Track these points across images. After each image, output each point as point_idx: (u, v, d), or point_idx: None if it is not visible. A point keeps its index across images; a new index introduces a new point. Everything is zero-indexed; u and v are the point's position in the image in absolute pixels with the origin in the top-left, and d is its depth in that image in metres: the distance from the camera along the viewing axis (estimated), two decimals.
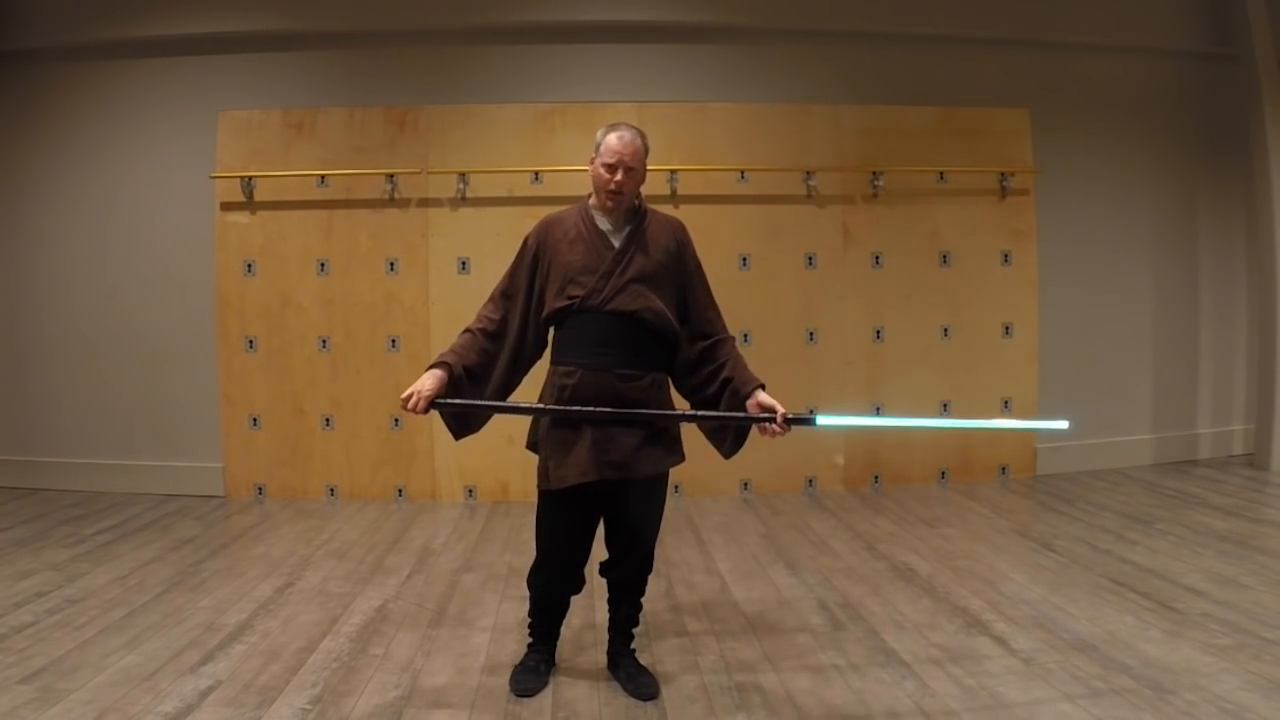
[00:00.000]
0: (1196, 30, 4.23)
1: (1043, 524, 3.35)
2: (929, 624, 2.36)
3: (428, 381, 1.86)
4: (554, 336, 1.99)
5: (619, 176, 1.89)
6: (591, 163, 1.96)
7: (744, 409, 1.90)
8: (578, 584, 2.07)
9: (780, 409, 1.86)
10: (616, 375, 1.89)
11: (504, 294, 2.02)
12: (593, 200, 1.98)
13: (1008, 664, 2.10)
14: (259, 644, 2.25)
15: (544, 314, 1.96)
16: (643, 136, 1.95)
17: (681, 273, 1.98)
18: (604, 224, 1.96)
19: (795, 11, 3.90)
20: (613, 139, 1.91)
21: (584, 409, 1.87)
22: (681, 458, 2.00)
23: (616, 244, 1.94)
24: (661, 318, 1.93)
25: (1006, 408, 4.11)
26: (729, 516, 3.58)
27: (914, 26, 3.97)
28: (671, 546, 3.14)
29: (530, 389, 2.05)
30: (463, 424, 2.01)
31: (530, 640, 2.13)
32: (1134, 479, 4.03)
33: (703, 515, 3.60)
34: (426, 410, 1.86)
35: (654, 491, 2.00)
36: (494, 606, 2.54)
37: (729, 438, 1.98)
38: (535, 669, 2.06)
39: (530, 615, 2.12)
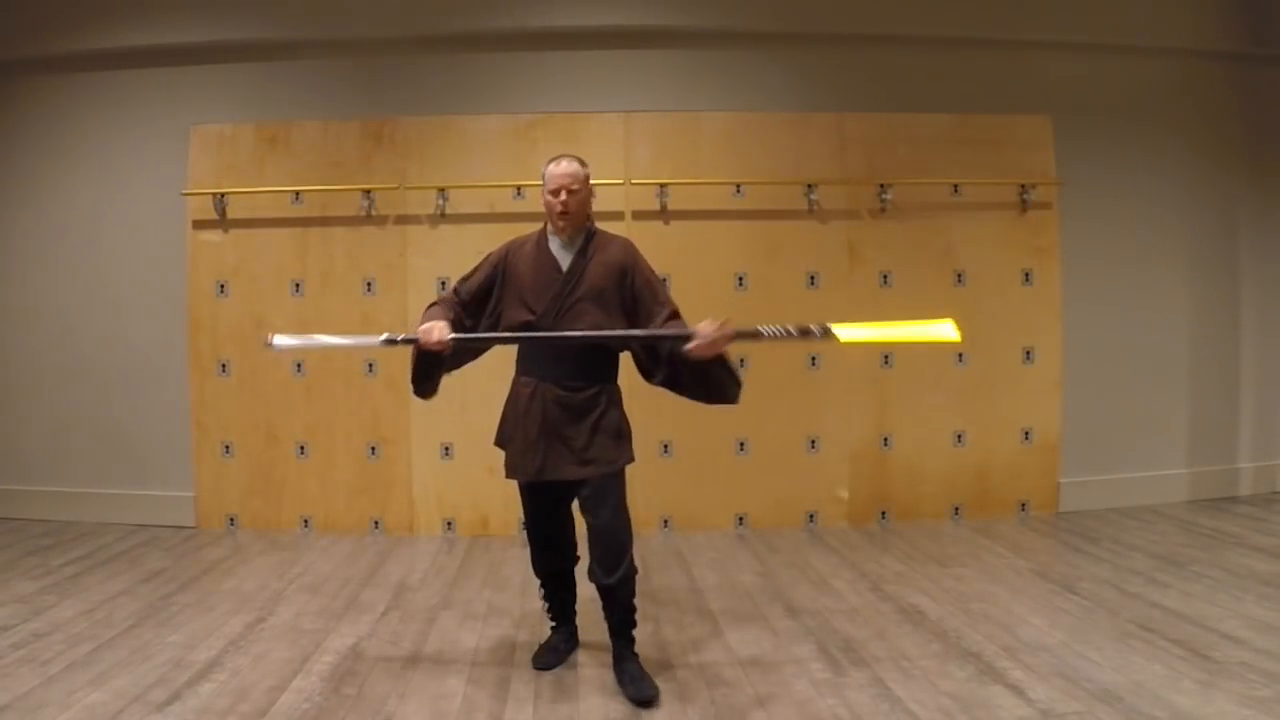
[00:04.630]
0: (1234, 30, 4.35)
1: (1065, 564, 3.47)
2: (938, 671, 2.48)
3: (439, 322, 2.33)
4: (517, 350, 2.50)
5: (563, 198, 2.38)
6: (542, 194, 2.45)
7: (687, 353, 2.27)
8: (568, 559, 2.61)
9: (715, 332, 2.20)
10: (564, 387, 2.38)
11: (461, 281, 2.53)
12: (549, 226, 2.47)
13: (1024, 715, 2.19)
14: (228, 682, 2.46)
15: (500, 326, 2.46)
16: (581, 162, 2.45)
17: (630, 288, 2.41)
18: (556, 247, 2.45)
19: (795, 13, 4.10)
20: (553, 168, 2.43)
21: (560, 334, 2.35)
22: (628, 459, 2.42)
23: (565, 265, 2.40)
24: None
25: (1027, 439, 4.28)
26: (722, 553, 3.76)
27: (925, 28, 4.14)
28: (660, 585, 3.32)
29: (498, 393, 2.55)
30: (433, 376, 2.46)
31: (551, 622, 2.69)
32: (1167, 517, 4.15)
33: (694, 552, 3.80)
34: (445, 345, 2.29)
35: (607, 491, 2.39)
36: (472, 646, 2.73)
37: (697, 381, 2.36)
38: (556, 648, 2.63)
39: (542, 598, 2.70)
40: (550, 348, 2.37)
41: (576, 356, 2.38)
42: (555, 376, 2.39)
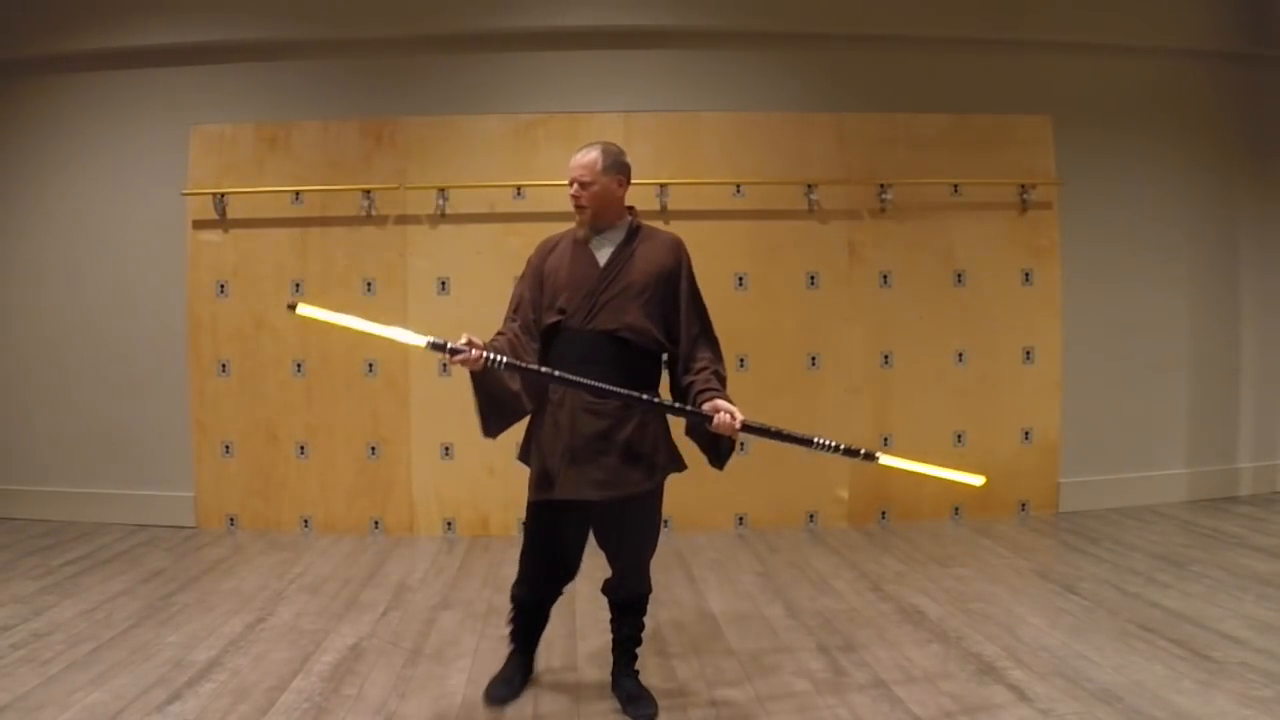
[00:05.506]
0: (1236, 30, 4.38)
1: (1065, 564, 3.50)
2: (939, 671, 2.51)
3: (475, 339, 2.05)
4: (547, 354, 2.28)
5: (574, 190, 2.24)
6: None
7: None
8: (555, 593, 2.42)
9: (723, 412, 2.08)
10: (595, 394, 2.15)
11: (515, 310, 2.33)
12: None
13: (1024, 714, 2.22)
14: (228, 682, 2.48)
15: (540, 330, 2.28)
16: (602, 150, 2.25)
17: (673, 292, 2.25)
18: (593, 242, 2.27)
19: (795, 13, 4.12)
20: (573, 158, 2.26)
21: (575, 379, 2.09)
22: (664, 476, 2.27)
23: (603, 261, 2.23)
24: (644, 335, 2.21)
25: (1027, 439, 4.30)
26: (722, 553, 3.79)
27: (925, 28, 4.16)
28: (660, 585, 3.29)
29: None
30: (502, 411, 2.19)
31: (511, 646, 2.46)
32: (1167, 517, 4.18)
33: (694, 552, 3.82)
34: (480, 362, 2.02)
35: (637, 511, 2.25)
36: (472, 646, 2.75)
37: (703, 442, 2.24)
38: (510, 680, 2.40)
39: (511, 621, 2.45)
40: (580, 350, 2.17)
41: (610, 360, 2.16)
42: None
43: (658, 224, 4.05)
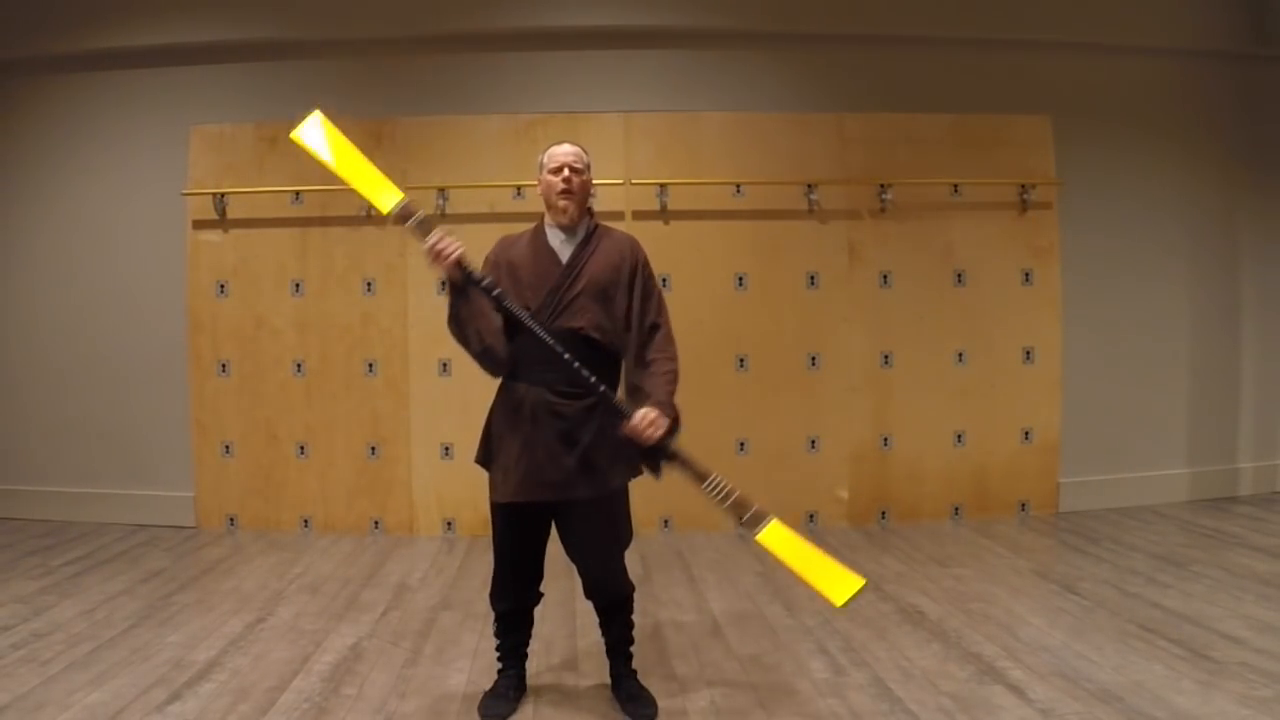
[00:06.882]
0: (1237, 30, 4.38)
1: (1065, 565, 3.50)
2: (939, 671, 2.52)
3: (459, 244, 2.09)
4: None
5: (565, 174, 2.22)
6: (539, 184, 2.29)
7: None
8: (532, 596, 2.38)
9: (643, 427, 2.05)
10: (558, 393, 2.16)
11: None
12: (547, 219, 2.30)
13: (1024, 715, 2.23)
14: (228, 682, 2.49)
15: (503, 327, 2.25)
16: (580, 146, 2.30)
17: (630, 288, 2.24)
18: (555, 241, 2.27)
19: (795, 13, 4.12)
20: (554, 149, 2.28)
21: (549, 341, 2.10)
22: (625, 479, 2.25)
23: (565, 259, 2.23)
24: (608, 334, 2.21)
25: (1027, 439, 4.30)
26: (722, 553, 3.80)
27: (925, 28, 4.17)
28: (660, 584, 3.35)
29: (480, 405, 2.35)
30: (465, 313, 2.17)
31: (499, 665, 2.41)
32: (1167, 517, 4.18)
33: (694, 551, 3.83)
34: (457, 267, 2.08)
35: (600, 513, 2.23)
36: (472, 646, 2.76)
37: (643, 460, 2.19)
38: (505, 695, 2.36)
39: (496, 635, 2.42)
40: (544, 346, 2.14)
41: (576, 357, 2.14)
42: (550, 381, 2.15)
43: (657, 224, 4.12)
